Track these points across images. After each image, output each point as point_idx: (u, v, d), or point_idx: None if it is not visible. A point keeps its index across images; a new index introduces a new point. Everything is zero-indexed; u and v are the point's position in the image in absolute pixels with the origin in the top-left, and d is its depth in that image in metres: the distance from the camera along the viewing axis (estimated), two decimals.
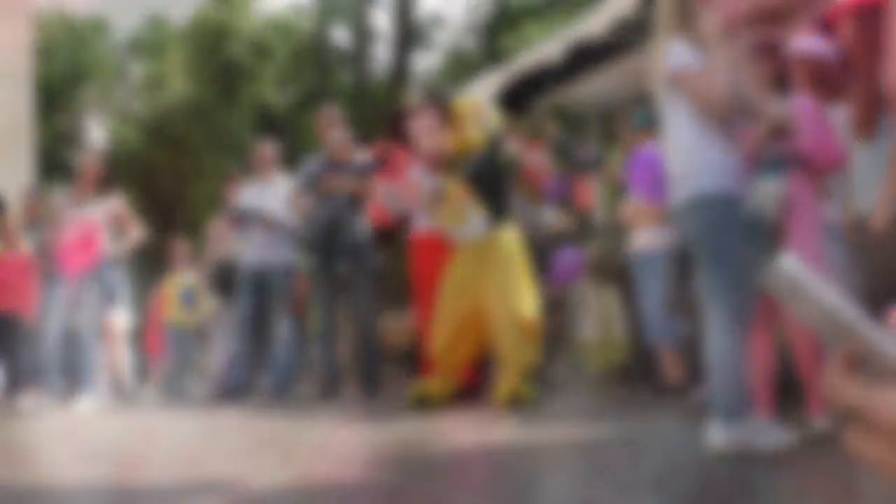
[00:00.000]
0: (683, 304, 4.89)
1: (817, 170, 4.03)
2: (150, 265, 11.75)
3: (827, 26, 4.12)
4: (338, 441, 4.74)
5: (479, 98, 7.78)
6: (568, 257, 7.40)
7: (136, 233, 8.04)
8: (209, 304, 9.89)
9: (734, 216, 3.72)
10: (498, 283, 5.94)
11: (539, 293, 6.31)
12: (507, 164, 6.24)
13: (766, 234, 3.97)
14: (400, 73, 21.05)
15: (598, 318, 7.14)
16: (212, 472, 3.63)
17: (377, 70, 22.01)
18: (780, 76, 4.16)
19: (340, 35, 22.61)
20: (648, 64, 4.13)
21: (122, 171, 10.63)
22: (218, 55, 20.28)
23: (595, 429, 4.69)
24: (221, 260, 9.08)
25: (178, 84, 20.53)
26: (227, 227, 8.89)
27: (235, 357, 8.20)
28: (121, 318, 8.28)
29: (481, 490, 3.24)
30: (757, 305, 3.86)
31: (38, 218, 8.59)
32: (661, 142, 4.10)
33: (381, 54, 22.18)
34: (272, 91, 20.90)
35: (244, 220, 8.08)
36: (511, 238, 6.07)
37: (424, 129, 6.08)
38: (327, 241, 7.39)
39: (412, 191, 6.31)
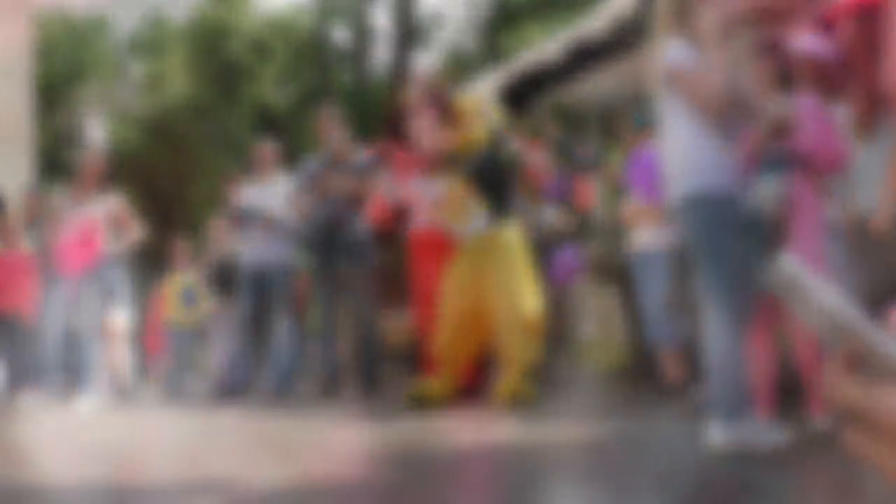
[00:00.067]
0: (684, 303, 4.89)
1: (818, 169, 4.03)
2: (149, 265, 11.75)
3: (827, 26, 4.11)
4: (337, 441, 4.73)
5: (482, 95, 7.77)
6: (568, 257, 7.39)
7: (136, 232, 8.04)
8: (209, 304, 9.89)
9: (731, 215, 3.72)
10: (499, 281, 5.94)
11: (540, 292, 6.30)
12: (510, 161, 6.23)
13: (766, 234, 3.97)
14: (400, 72, 21.05)
15: (597, 317, 7.14)
16: (212, 472, 3.63)
17: (377, 69, 22.01)
18: (785, 75, 4.15)
19: (340, 34, 22.62)
20: (647, 63, 4.13)
21: (122, 171, 10.62)
22: (218, 54, 20.28)
23: (595, 428, 4.69)
24: (221, 259, 9.08)
25: (178, 83, 20.53)
26: (227, 226, 8.89)
27: (235, 356, 8.20)
28: (121, 318, 8.28)
29: (481, 490, 3.24)
30: (757, 305, 3.86)
31: (38, 217, 8.59)
32: (660, 141, 4.10)
33: (381, 53, 22.19)
34: (272, 90, 20.90)
35: (244, 219, 8.08)
36: (513, 236, 6.06)
37: (425, 127, 6.08)
38: (327, 240, 7.39)
39: (414, 196, 6.33)
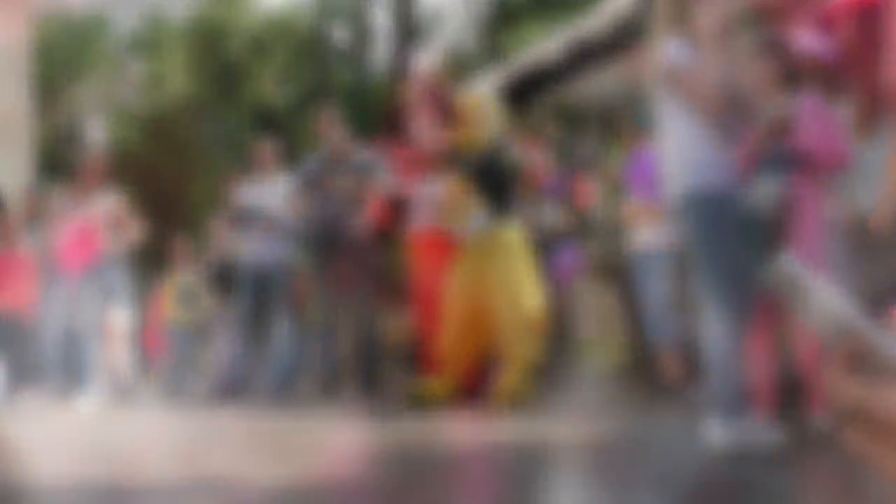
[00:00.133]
0: (684, 302, 4.89)
1: (819, 168, 4.02)
2: (149, 265, 11.74)
3: (827, 26, 4.11)
4: (337, 441, 4.73)
5: (484, 95, 7.77)
6: (568, 256, 7.39)
7: (136, 232, 8.03)
8: (209, 303, 9.89)
9: (729, 214, 3.72)
10: (501, 280, 5.94)
11: (541, 291, 6.30)
12: (511, 168, 6.24)
13: (765, 234, 3.96)
14: (400, 71, 21.04)
15: (597, 317, 7.14)
16: (212, 472, 3.63)
17: (377, 68, 22.02)
18: (787, 74, 4.15)
19: (340, 33, 22.62)
20: (647, 62, 4.13)
21: (122, 170, 10.62)
22: (217, 54, 20.28)
23: (595, 428, 4.69)
24: (221, 259, 9.07)
25: (178, 83, 20.53)
26: (227, 226, 8.89)
27: (235, 356, 8.20)
28: (121, 318, 8.27)
29: (481, 490, 3.24)
30: (757, 305, 3.85)
31: (38, 217, 8.58)
32: (659, 140, 4.10)
33: (381, 52, 22.19)
34: (272, 89, 20.90)
35: (244, 219, 8.08)
36: (514, 235, 6.07)
37: (424, 126, 6.08)
38: (327, 239, 7.38)
39: (414, 196, 6.33)
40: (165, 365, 10.73)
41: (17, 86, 13.93)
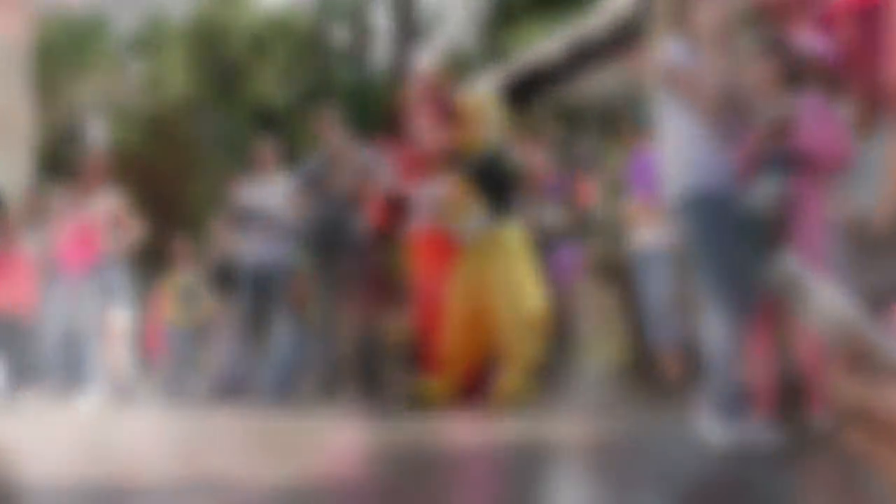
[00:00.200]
0: (685, 302, 4.89)
1: (820, 168, 4.02)
2: (149, 264, 11.74)
3: (827, 25, 4.11)
4: (337, 441, 4.73)
5: (485, 95, 7.77)
6: (568, 255, 7.39)
7: (136, 231, 8.03)
8: (209, 303, 9.89)
9: (729, 214, 3.72)
10: (501, 280, 5.94)
11: (542, 290, 6.31)
12: (512, 169, 6.24)
13: (766, 234, 3.96)
14: (400, 70, 21.04)
15: (598, 316, 7.14)
16: (212, 472, 3.63)
17: (377, 68, 22.01)
18: (789, 74, 4.14)
19: (340, 32, 22.61)
20: (647, 62, 4.13)
21: (122, 170, 10.62)
22: (217, 53, 20.27)
23: (595, 428, 4.69)
24: (221, 259, 9.07)
25: (178, 82, 20.53)
26: (227, 225, 8.89)
27: (235, 356, 8.20)
28: (121, 317, 8.27)
29: (481, 490, 3.24)
30: (757, 304, 3.85)
31: (38, 217, 8.58)
32: (659, 140, 4.10)
33: (381, 52, 22.18)
34: (272, 89, 20.90)
35: (244, 218, 8.08)
36: (515, 235, 6.07)
37: (425, 126, 6.08)
38: (327, 239, 7.38)
39: (414, 196, 6.33)
40: (165, 365, 10.73)
41: (18, 85, 13.94)
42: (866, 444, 0.68)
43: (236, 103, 20.23)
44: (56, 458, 4.39)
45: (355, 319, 7.52)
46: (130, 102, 22.30)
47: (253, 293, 8.02)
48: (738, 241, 3.71)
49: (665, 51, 3.74)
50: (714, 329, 3.68)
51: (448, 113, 6.09)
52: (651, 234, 6.15)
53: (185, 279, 10.48)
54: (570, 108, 9.98)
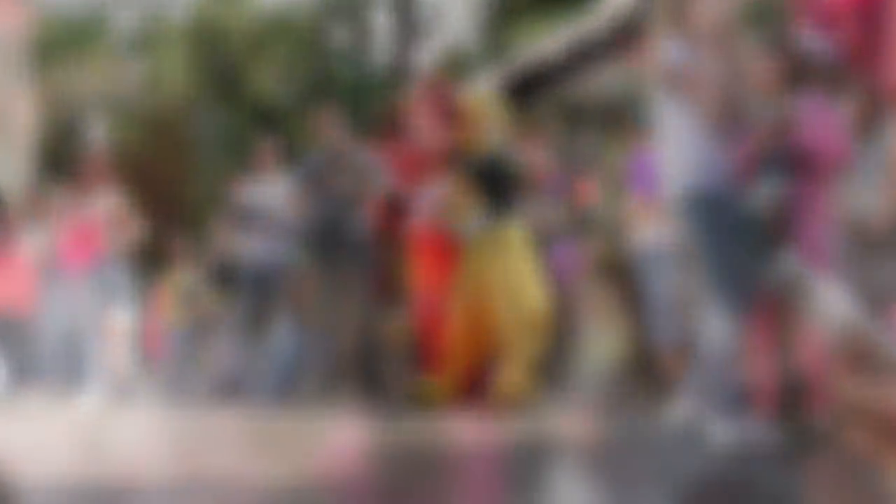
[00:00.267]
0: (686, 301, 4.89)
1: (819, 168, 4.02)
2: (150, 264, 11.74)
3: (828, 24, 4.11)
4: (338, 440, 4.73)
5: (486, 94, 7.77)
6: (569, 254, 7.38)
7: (136, 231, 8.03)
8: (209, 303, 9.89)
9: (729, 214, 3.71)
10: (502, 279, 5.95)
11: (543, 289, 6.30)
12: (513, 168, 6.23)
13: (766, 234, 3.96)
14: (400, 69, 21.03)
15: (599, 315, 7.14)
16: (212, 472, 3.63)
17: (377, 67, 22.01)
18: (790, 73, 4.14)
19: (340, 31, 22.60)
20: (648, 61, 4.13)
21: (122, 170, 10.62)
22: (217, 52, 20.27)
23: (596, 427, 4.69)
24: (221, 259, 9.07)
25: (177, 82, 20.53)
26: (227, 225, 8.88)
27: (235, 356, 8.20)
28: (121, 317, 8.27)
29: (481, 490, 3.23)
30: (757, 304, 3.85)
31: (38, 216, 8.58)
32: (659, 139, 4.10)
33: (382, 51, 22.17)
34: (271, 88, 20.90)
35: (244, 218, 8.08)
36: (515, 234, 6.07)
37: (425, 125, 6.08)
38: (327, 238, 7.38)
39: (414, 195, 6.33)
40: (165, 365, 10.72)
41: (18, 86, 13.93)
42: (867, 443, 0.68)
43: (236, 103, 20.23)
44: (56, 457, 4.39)
45: (355, 319, 7.52)
46: (130, 101, 22.30)
47: (253, 293, 8.01)
48: (738, 240, 3.71)
49: (665, 51, 3.74)
50: (714, 328, 3.68)
51: (448, 113, 6.09)
52: (652, 232, 6.14)
53: (185, 279, 10.47)
54: (570, 106, 9.98)
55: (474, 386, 6.49)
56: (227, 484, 3.31)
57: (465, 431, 4.92)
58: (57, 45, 21.30)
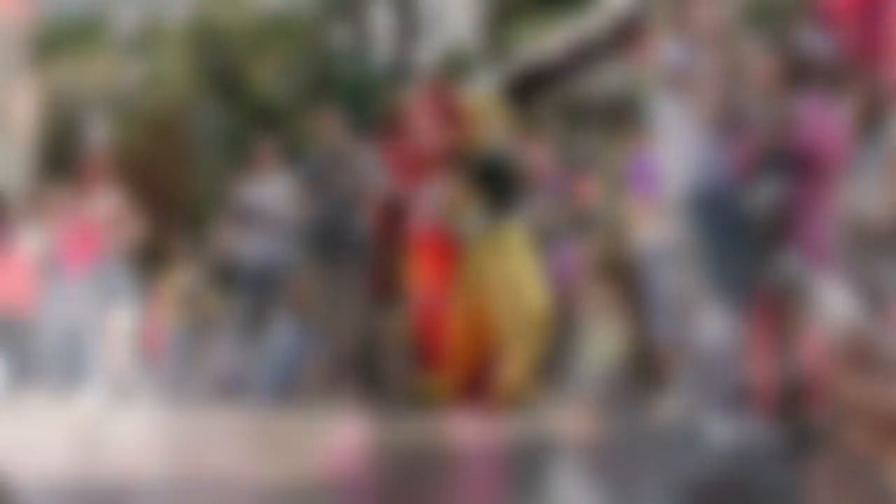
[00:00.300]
0: (686, 301, 4.88)
1: (820, 168, 4.02)
2: (150, 264, 11.74)
3: (828, 24, 4.11)
4: (339, 439, 4.73)
5: (487, 94, 7.77)
6: (569, 254, 7.38)
7: (136, 231, 8.04)
8: (209, 303, 9.89)
9: (728, 214, 3.71)
10: (502, 278, 5.95)
11: (544, 288, 6.31)
12: (513, 168, 6.24)
13: (766, 233, 3.96)
14: (401, 69, 21.02)
15: (599, 314, 7.13)
16: (212, 471, 3.63)
17: (377, 66, 22.00)
18: (790, 73, 4.14)
19: (340, 31, 22.60)
20: (647, 61, 4.13)
21: (122, 169, 10.62)
22: (216, 52, 20.27)
23: (596, 426, 4.69)
24: (221, 258, 9.07)
25: (177, 80, 20.53)
26: (227, 224, 8.88)
27: (235, 355, 8.20)
28: (121, 317, 8.27)
29: (481, 489, 3.23)
30: (758, 303, 3.85)
31: (38, 216, 8.58)
32: (660, 139, 4.10)
33: (382, 50, 22.17)
34: (271, 88, 20.90)
35: (244, 217, 8.08)
36: (516, 233, 6.07)
37: (425, 125, 6.09)
38: (327, 238, 7.38)
39: (415, 195, 6.33)
40: (165, 365, 10.72)
41: (18, 86, 13.93)
42: (867, 442, 0.68)
43: (236, 102, 20.22)
44: (55, 457, 4.39)
45: (355, 319, 7.52)
46: (130, 100, 22.29)
47: (253, 292, 8.01)
48: (738, 240, 3.71)
49: (665, 51, 3.74)
50: (713, 327, 3.68)
51: (448, 113, 6.09)
52: (652, 232, 6.14)
53: (185, 279, 10.47)
54: (571, 106, 9.98)
55: (474, 385, 6.49)
56: (226, 483, 3.31)
57: (465, 430, 4.92)
58: (57, 44, 21.30)
